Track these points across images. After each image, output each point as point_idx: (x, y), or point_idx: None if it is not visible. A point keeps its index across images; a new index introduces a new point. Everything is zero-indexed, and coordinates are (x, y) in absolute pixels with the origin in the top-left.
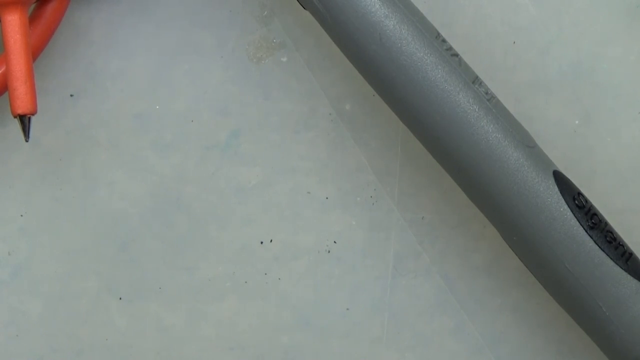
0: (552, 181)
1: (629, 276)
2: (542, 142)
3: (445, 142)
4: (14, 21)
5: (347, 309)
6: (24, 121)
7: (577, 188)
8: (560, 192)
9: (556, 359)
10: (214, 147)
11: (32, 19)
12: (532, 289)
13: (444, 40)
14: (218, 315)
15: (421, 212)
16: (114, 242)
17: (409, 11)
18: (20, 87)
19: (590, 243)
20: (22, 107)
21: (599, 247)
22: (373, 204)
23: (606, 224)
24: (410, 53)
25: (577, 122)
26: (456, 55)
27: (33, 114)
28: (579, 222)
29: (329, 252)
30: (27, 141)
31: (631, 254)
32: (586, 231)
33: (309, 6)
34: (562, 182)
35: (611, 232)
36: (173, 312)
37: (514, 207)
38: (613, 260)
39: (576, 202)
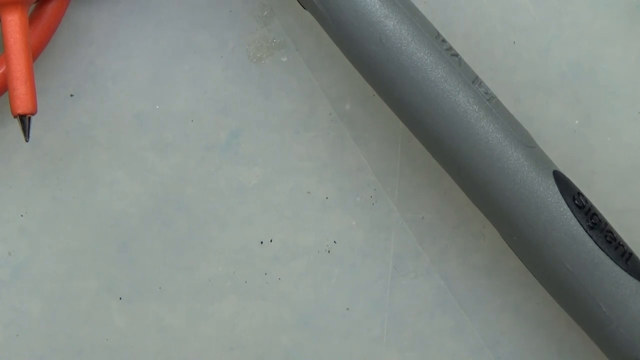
0: (552, 181)
1: (629, 276)
2: (542, 142)
3: (445, 142)
4: (14, 21)
5: (347, 309)
6: (24, 121)
7: (577, 188)
8: (560, 192)
9: (556, 359)
10: (214, 147)
11: (32, 19)
12: (532, 289)
13: (444, 40)
14: (218, 315)
15: (421, 212)
16: (114, 242)
17: (409, 11)
18: (20, 87)
19: (590, 243)
20: (22, 107)
21: (599, 247)
22: (373, 204)
23: (606, 224)
24: (410, 53)
25: (577, 122)
26: (456, 55)
27: (33, 114)
28: (579, 222)
29: (329, 252)
30: (27, 141)
31: (631, 254)
32: (586, 231)
33: (309, 6)
34: (562, 182)
35: (611, 232)
36: (173, 312)
37: (514, 207)
38: (613, 260)
39: (576, 202)
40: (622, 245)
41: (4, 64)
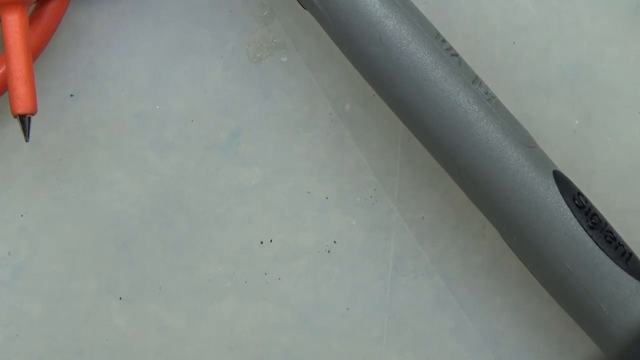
0: (552, 181)
1: (629, 276)
2: (542, 142)
3: (445, 142)
4: (14, 21)
5: (347, 309)
6: (24, 121)
7: (577, 188)
8: (560, 192)
9: (556, 359)
10: (214, 147)
11: (32, 19)
12: (532, 289)
13: (444, 40)
14: (218, 315)
15: (421, 212)
16: (114, 242)
17: (409, 11)
18: (20, 87)
19: (590, 243)
20: (22, 107)
21: (599, 247)
22: (373, 204)
23: (606, 224)
24: (410, 53)
25: (577, 122)
26: (456, 55)
27: (33, 114)
28: (579, 222)
29: (329, 252)
30: (27, 141)
31: (631, 254)
32: (586, 231)
33: (309, 6)
34: (562, 182)
35: (611, 232)
36: (173, 312)
37: (514, 207)
38: (613, 260)
39: (576, 202)
40: (622, 245)
41: (4, 64)
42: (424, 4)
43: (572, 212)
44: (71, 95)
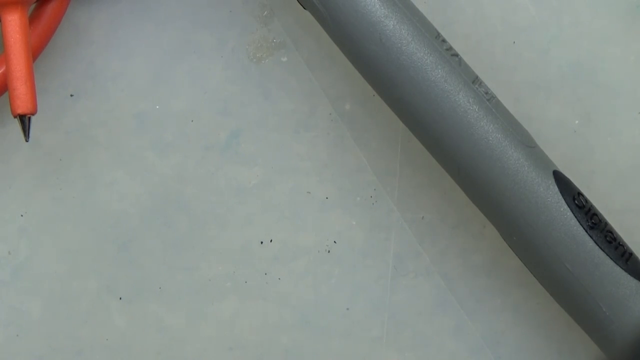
0: (552, 181)
1: (629, 276)
2: (542, 142)
3: (445, 142)
4: (14, 21)
5: (347, 309)
6: (24, 121)
7: (577, 188)
8: (560, 192)
9: (556, 359)
10: (214, 147)
11: (32, 19)
12: (532, 289)
13: (444, 40)
14: (218, 315)
15: (421, 212)
16: (114, 242)
17: (409, 11)
18: (20, 87)
19: (590, 243)
20: (22, 107)
21: (599, 247)
22: (373, 204)
23: (606, 224)
24: (410, 53)
25: (577, 122)
26: (456, 55)
27: (33, 114)
28: (579, 222)
29: (329, 252)
30: (27, 141)
31: (631, 254)
32: (586, 231)
33: (309, 6)
34: (562, 182)
35: (611, 232)
36: (173, 312)
37: (514, 207)
38: (613, 260)
39: (576, 202)
40: (622, 245)
41: (4, 64)
42: (424, 4)
43: (572, 212)
44: (71, 95)
